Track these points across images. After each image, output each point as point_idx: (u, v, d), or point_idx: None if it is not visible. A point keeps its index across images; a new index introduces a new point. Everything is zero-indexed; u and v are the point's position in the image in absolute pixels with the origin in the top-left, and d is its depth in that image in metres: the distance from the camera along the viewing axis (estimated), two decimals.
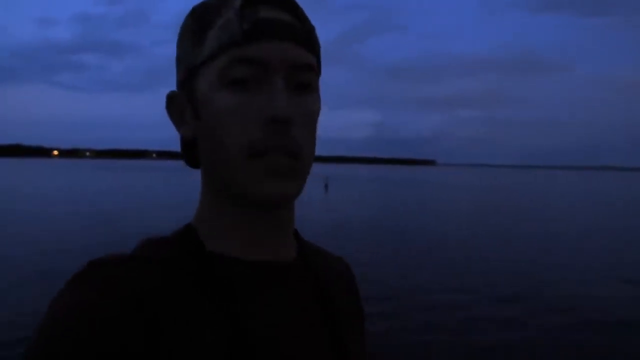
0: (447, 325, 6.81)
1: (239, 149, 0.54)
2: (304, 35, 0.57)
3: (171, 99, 0.62)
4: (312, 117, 0.58)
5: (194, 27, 0.59)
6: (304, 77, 0.57)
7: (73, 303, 0.48)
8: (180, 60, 0.61)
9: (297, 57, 0.56)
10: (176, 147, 0.71)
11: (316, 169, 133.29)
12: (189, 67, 0.59)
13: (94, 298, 0.48)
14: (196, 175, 61.66)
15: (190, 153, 0.64)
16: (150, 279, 0.52)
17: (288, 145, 0.54)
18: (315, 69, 0.58)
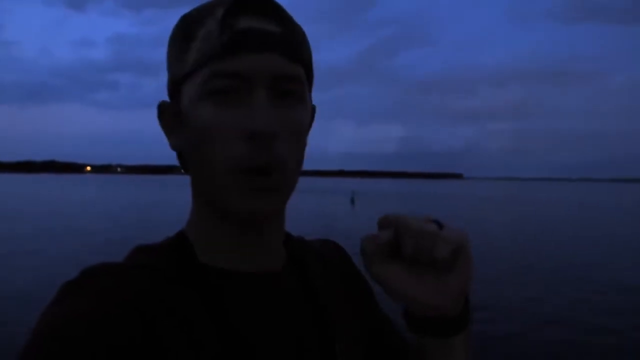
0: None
1: (221, 166, 0.53)
2: (288, 45, 0.55)
3: (161, 109, 0.61)
4: (299, 128, 0.57)
5: (179, 37, 0.58)
6: (287, 87, 0.55)
7: (69, 308, 0.47)
8: (168, 69, 0.60)
9: (278, 68, 0.54)
10: None
11: (343, 183, 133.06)
12: (174, 80, 0.58)
13: (89, 303, 0.47)
14: None
15: (183, 160, 0.63)
16: (142, 286, 0.51)
17: (270, 161, 0.53)
18: (300, 79, 0.56)
